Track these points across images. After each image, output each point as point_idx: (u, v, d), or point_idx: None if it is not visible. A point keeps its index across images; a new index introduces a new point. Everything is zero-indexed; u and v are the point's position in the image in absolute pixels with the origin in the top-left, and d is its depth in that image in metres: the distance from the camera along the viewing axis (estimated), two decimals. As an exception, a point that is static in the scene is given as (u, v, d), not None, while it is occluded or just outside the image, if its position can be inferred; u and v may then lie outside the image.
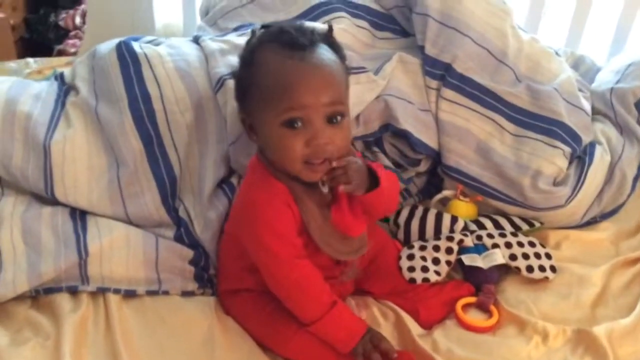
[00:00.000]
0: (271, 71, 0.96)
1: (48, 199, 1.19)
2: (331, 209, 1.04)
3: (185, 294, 1.15)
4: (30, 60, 1.66)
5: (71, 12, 2.54)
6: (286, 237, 0.99)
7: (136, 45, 1.28)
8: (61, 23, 2.51)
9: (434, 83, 1.35)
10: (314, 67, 0.96)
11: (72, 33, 2.52)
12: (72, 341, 1.00)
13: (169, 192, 1.21)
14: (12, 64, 1.64)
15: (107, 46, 1.30)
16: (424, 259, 1.21)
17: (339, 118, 0.97)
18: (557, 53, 1.48)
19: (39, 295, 1.10)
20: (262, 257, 1.01)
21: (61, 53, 2.41)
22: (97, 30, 1.67)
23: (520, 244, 1.24)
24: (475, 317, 1.13)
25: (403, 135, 1.30)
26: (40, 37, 2.59)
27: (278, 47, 0.97)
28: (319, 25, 1.17)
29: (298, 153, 0.95)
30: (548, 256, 1.23)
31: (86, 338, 1.03)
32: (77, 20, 2.50)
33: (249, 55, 1.01)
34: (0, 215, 1.14)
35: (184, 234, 1.20)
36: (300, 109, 0.94)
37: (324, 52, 0.98)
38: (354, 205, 1.07)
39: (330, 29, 1.05)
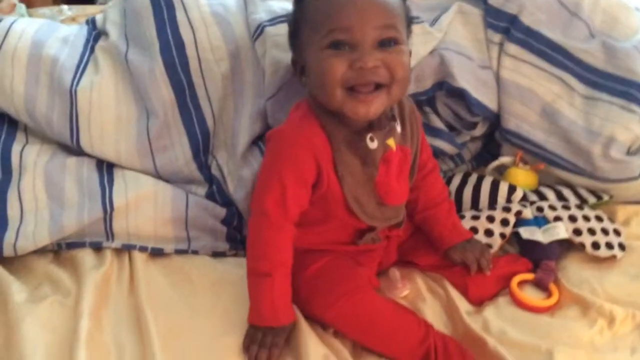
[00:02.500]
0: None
1: (74, 149, 1.12)
2: (379, 168, 0.94)
3: (216, 254, 1.08)
4: (65, 7, 1.59)
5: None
6: (296, 188, 0.91)
7: (171, -13, 1.19)
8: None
9: (496, 37, 1.22)
10: None
11: (115, -11, 2.47)
12: (92, 300, 0.94)
13: (201, 147, 1.14)
14: (46, 10, 1.58)
15: (140, -12, 1.21)
16: (475, 230, 1.11)
17: (392, 43, 0.87)
18: (637, 8, 1.33)
19: (61, 250, 1.05)
20: (263, 181, 0.93)
21: (104, 6, 2.37)
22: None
23: (586, 218, 1.12)
24: (532, 296, 1.02)
25: (459, 95, 1.18)
26: (82, -9, 2.55)
27: None
28: None
29: (338, 74, 0.86)
30: (617, 232, 1.11)
31: (108, 297, 0.97)
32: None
33: None
34: (23, 165, 1.09)
35: (216, 192, 1.13)
36: (346, 30, 0.85)
37: None
38: (402, 172, 0.99)
39: None
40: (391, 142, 0.95)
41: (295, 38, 0.95)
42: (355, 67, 0.85)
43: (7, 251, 1.00)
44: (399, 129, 0.97)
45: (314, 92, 0.92)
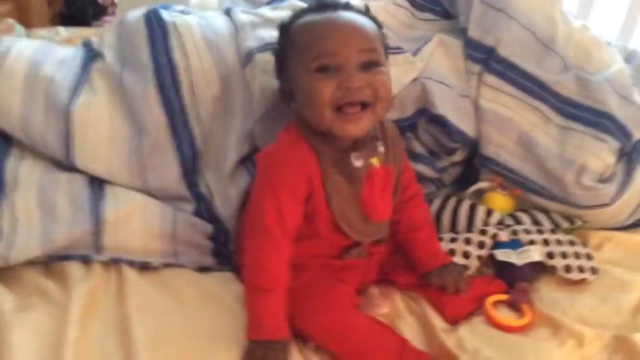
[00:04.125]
0: (305, 29, 0.98)
1: (67, 166, 1.16)
2: (364, 185, 1.00)
3: (202, 269, 1.12)
4: (61, 29, 1.63)
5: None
6: (291, 204, 0.95)
7: (165, 14, 1.24)
8: (99, -1, 2.51)
9: (475, 67, 1.28)
10: (345, 19, 0.96)
11: (110, 10, 2.52)
12: (80, 309, 0.96)
13: (190, 166, 1.18)
14: (43, 32, 1.62)
15: (136, 14, 1.26)
16: (452, 252, 1.14)
17: (374, 65, 0.95)
18: (609, 43, 1.39)
19: (51, 262, 1.07)
20: (259, 201, 0.97)
21: (98, 30, 2.41)
22: (130, 6, 1.64)
23: (559, 242, 1.16)
24: (506, 316, 1.06)
25: (439, 122, 1.24)
26: (78, 13, 2.60)
27: (312, 12, 1.00)
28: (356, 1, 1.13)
29: (327, 96, 0.92)
30: (588, 257, 1.15)
31: (95, 307, 0.99)
32: (115, -5, 2.50)
33: (286, 25, 1.02)
34: (17, 180, 1.12)
35: (203, 210, 1.16)
36: (331, 55, 0.92)
37: (357, 13, 1.00)
38: (385, 190, 1.04)
39: (367, 7, 1.05)
40: (375, 160, 1.01)
41: (282, 67, 1.02)
42: (342, 88, 0.92)
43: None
44: (382, 149, 1.03)
45: (303, 114, 0.98)
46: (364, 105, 0.94)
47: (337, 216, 0.99)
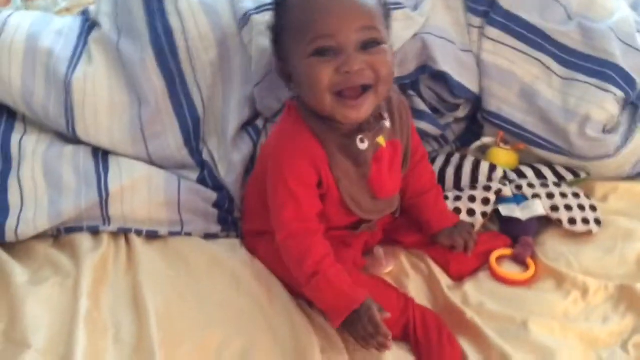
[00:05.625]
0: (299, 7, 0.91)
1: (70, 138, 1.16)
2: (371, 167, 0.98)
3: (208, 236, 1.13)
4: (60, -3, 1.62)
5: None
6: (305, 191, 0.94)
7: (160, -22, 1.22)
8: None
9: (477, 21, 1.26)
10: None
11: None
12: (90, 280, 0.98)
13: (192, 133, 1.18)
14: (41, 2, 1.61)
15: (132, -21, 1.24)
16: (457, 210, 1.15)
17: (375, 44, 0.89)
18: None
19: (60, 235, 1.09)
20: (274, 199, 0.96)
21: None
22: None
23: (563, 195, 1.16)
24: (510, 270, 1.07)
25: (441, 78, 1.22)
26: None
27: None
28: None
29: (325, 81, 0.88)
30: (593, 208, 1.15)
31: (106, 277, 1.01)
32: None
33: (279, 1, 0.97)
34: (22, 153, 1.13)
35: (207, 177, 1.17)
36: (329, 37, 0.87)
37: None
38: (394, 165, 1.02)
39: None
40: (381, 139, 0.99)
41: (278, 46, 0.98)
42: (342, 72, 0.87)
43: (9, 236, 1.04)
44: (388, 124, 1.00)
45: (303, 98, 0.95)
46: (365, 88, 0.90)
47: (346, 199, 0.98)
